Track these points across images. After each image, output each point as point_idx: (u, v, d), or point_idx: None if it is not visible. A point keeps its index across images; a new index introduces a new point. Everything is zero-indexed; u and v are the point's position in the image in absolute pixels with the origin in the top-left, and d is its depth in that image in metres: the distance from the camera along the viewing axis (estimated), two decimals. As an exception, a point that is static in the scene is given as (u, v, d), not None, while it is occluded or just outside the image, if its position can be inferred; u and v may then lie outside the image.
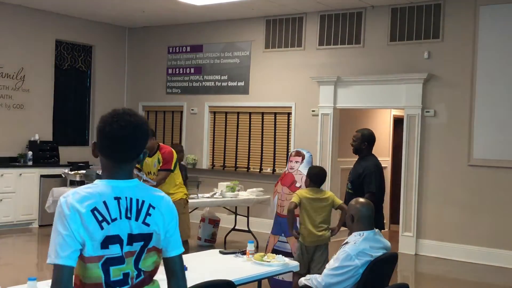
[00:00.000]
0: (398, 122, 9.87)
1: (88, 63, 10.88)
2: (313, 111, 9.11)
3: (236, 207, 8.58)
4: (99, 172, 5.66)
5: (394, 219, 9.71)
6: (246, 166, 9.74)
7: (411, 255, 8.06)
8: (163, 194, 2.20)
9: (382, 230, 5.58)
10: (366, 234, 3.77)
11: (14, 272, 6.82)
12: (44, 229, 9.20)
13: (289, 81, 9.40)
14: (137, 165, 6.39)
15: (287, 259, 4.34)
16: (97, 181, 2.08)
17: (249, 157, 9.83)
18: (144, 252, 2.09)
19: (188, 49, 10.59)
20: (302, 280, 3.89)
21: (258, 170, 9.62)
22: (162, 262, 2.20)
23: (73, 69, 10.70)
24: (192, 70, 10.54)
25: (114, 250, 2.01)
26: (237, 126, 10.05)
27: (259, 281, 4.19)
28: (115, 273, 2.01)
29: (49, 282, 3.39)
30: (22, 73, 9.69)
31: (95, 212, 1.99)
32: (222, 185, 8.37)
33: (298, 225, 5.26)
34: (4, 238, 8.60)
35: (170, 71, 10.83)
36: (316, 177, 5.19)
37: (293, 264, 4.34)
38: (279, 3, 8.68)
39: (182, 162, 7.95)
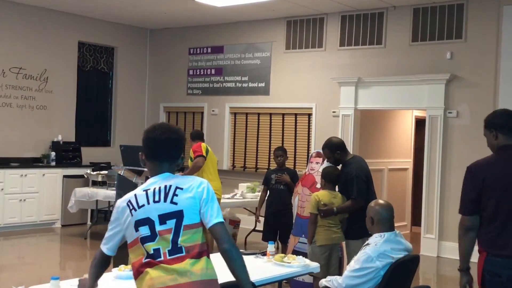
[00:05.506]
0: (420, 123, 9.79)
1: (110, 64, 10.98)
2: (333, 112, 9.08)
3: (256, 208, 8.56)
4: (121, 173, 5.70)
5: (416, 221, 9.63)
6: (267, 167, 9.72)
7: (433, 257, 7.98)
8: (194, 179, 2.63)
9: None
10: (387, 236, 3.74)
11: (37, 271, 6.91)
12: (67, 229, 9.31)
13: (310, 82, 9.38)
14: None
15: (307, 260, 4.33)
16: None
17: (269, 158, 9.82)
18: (181, 229, 2.53)
19: (209, 50, 10.63)
20: (323, 282, 3.88)
21: (279, 171, 9.60)
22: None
23: (95, 70, 10.80)
24: (213, 71, 10.57)
25: (144, 231, 2.52)
26: (258, 127, 10.05)
27: (279, 282, 4.19)
28: (147, 248, 2.51)
29: (71, 281, 3.44)
30: (46, 74, 9.80)
31: (128, 203, 2.58)
32: (243, 186, 8.38)
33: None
34: (27, 238, 8.72)
35: (191, 72, 10.88)
36: (332, 176, 5.14)
37: (314, 265, 4.32)
38: (299, 3, 8.66)
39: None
